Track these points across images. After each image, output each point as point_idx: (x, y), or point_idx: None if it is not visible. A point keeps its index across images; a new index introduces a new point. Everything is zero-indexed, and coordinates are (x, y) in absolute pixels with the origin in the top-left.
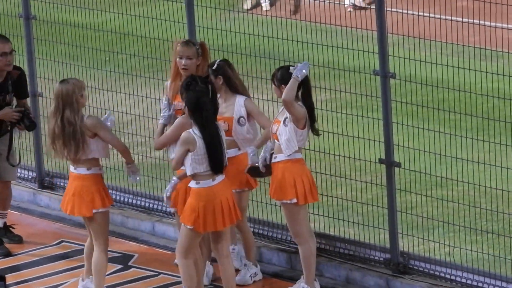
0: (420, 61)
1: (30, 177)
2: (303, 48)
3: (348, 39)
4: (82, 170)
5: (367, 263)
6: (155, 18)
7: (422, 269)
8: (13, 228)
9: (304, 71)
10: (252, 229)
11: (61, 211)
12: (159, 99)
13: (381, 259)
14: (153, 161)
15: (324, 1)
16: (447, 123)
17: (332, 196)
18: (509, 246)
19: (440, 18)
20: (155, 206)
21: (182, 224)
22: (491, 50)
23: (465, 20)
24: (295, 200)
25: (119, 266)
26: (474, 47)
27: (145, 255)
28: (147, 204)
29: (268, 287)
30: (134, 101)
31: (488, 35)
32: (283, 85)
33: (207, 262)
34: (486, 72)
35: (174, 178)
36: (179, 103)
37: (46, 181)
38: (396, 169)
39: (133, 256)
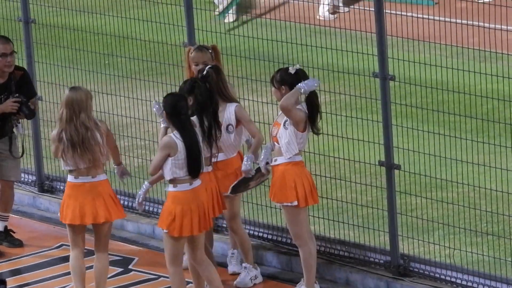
0: (420, 63)
1: (30, 180)
2: (303, 50)
3: (347, 41)
4: (103, 177)
5: (367, 266)
6: (154, 21)
7: (422, 271)
8: (14, 232)
9: (311, 88)
10: (252, 232)
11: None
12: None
13: (381, 261)
14: None
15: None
16: (446, 125)
17: (332, 199)
18: (509, 248)
19: (439, 20)
20: (155, 209)
21: (163, 233)
22: (490, 51)
23: (464, 21)
24: (295, 203)
25: (119, 270)
26: (473, 48)
27: (145, 258)
28: (146, 207)
29: None
30: (134, 104)
31: (487, 36)
32: (282, 86)
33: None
34: (486, 74)
35: (146, 183)
36: None
37: (46, 185)
38: (396, 171)
39: (133, 259)
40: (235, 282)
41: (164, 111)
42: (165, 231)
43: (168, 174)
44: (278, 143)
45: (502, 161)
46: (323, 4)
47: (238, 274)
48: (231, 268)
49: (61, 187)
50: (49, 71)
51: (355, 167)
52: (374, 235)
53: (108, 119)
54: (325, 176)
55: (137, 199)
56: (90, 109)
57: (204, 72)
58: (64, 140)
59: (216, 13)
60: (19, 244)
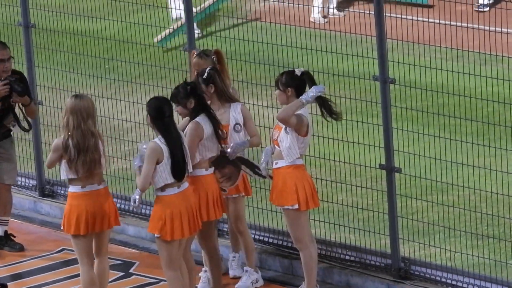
0: (420, 66)
1: (30, 185)
2: (303, 54)
3: (348, 45)
4: (105, 184)
5: (368, 269)
6: (154, 25)
7: (423, 274)
8: (14, 236)
9: (315, 95)
10: (253, 236)
11: (61, 219)
12: None
13: (382, 264)
14: None
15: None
16: (447, 128)
17: (332, 202)
18: (510, 251)
19: (440, 23)
20: None
21: (155, 238)
22: (490, 54)
23: (464, 24)
24: (296, 206)
25: (120, 274)
26: (473, 51)
27: (146, 262)
28: (147, 211)
29: None
30: (134, 108)
31: (487, 39)
32: (288, 89)
33: (202, 269)
34: (486, 77)
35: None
36: None
37: (46, 189)
38: (397, 174)
39: (134, 263)
40: (236, 286)
41: (148, 115)
42: (157, 235)
43: (158, 182)
44: (278, 147)
45: (503, 164)
46: (314, 6)
47: (239, 277)
48: (232, 272)
49: (62, 192)
50: (49, 75)
51: (355, 171)
52: (374, 238)
53: (108, 123)
54: (326, 180)
55: (133, 205)
56: (96, 116)
57: (205, 75)
58: (70, 147)
59: (155, 40)
60: (19, 248)
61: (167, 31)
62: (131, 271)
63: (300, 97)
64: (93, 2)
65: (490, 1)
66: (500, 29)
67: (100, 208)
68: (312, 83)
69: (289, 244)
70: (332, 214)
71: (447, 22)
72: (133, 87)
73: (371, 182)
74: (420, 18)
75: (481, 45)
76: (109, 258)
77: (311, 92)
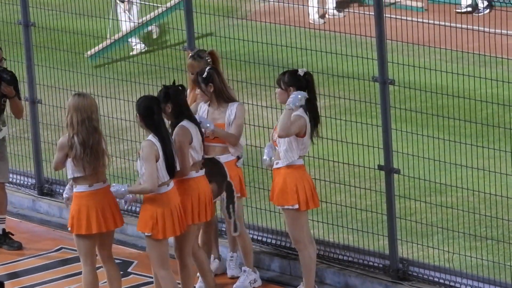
0: (419, 67)
1: (29, 184)
2: (303, 54)
3: (347, 45)
4: (108, 182)
5: (367, 270)
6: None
7: (421, 275)
8: (12, 234)
9: (298, 100)
10: (251, 236)
11: (60, 218)
12: None
13: (381, 265)
14: None
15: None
16: (446, 129)
17: (331, 203)
18: (509, 252)
19: (439, 25)
20: None
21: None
22: (490, 56)
23: (464, 26)
24: (297, 206)
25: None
26: (473, 53)
27: (144, 262)
28: None
29: None
30: (133, 107)
31: (487, 41)
32: (290, 88)
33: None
34: (486, 78)
35: (129, 195)
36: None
37: (45, 188)
38: (395, 175)
39: (132, 262)
40: (234, 286)
41: (137, 114)
42: (148, 234)
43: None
44: (277, 147)
45: (502, 165)
46: (310, 6)
47: (237, 277)
48: (230, 272)
49: (61, 191)
50: (49, 74)
51: (354, 171)
52: (373, 239)
53: (107, 122)
54: (325, 180)
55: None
56: (98, 114)
57: (205, 74)
58: (76, 144)
59: (87, 55)
60: (18, 246)
61: (100, 45)
62: (129, 270)
63: (287, 103)
64: (93, 2)
65: (484, 5)
66: (499, 31)
67: (108, 206)
68: (312, 84)
69: (288, 244)
70: (330, 215)
71: (447, 24)
72: (132, 86)
73: (370, 183)
74: (420, 20)
75: (481, 47)
76: None
77: (295, 96)
